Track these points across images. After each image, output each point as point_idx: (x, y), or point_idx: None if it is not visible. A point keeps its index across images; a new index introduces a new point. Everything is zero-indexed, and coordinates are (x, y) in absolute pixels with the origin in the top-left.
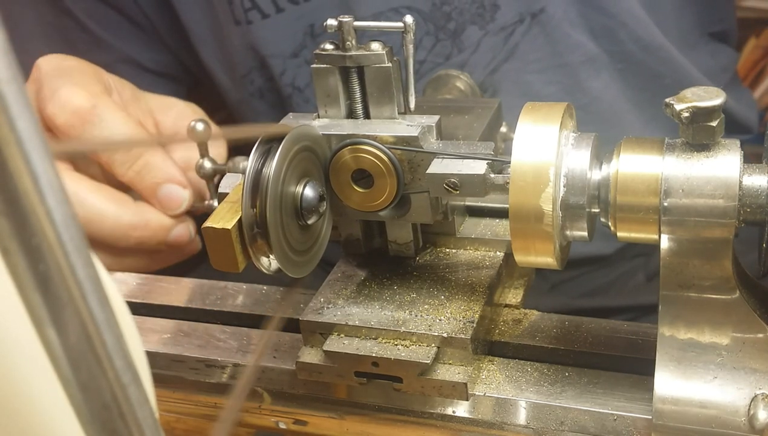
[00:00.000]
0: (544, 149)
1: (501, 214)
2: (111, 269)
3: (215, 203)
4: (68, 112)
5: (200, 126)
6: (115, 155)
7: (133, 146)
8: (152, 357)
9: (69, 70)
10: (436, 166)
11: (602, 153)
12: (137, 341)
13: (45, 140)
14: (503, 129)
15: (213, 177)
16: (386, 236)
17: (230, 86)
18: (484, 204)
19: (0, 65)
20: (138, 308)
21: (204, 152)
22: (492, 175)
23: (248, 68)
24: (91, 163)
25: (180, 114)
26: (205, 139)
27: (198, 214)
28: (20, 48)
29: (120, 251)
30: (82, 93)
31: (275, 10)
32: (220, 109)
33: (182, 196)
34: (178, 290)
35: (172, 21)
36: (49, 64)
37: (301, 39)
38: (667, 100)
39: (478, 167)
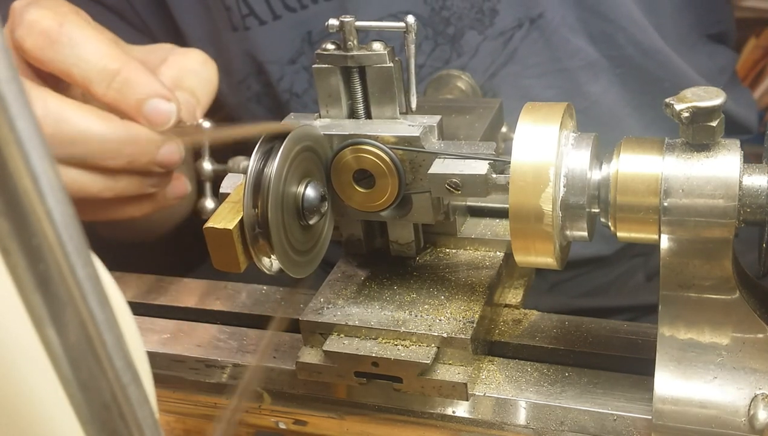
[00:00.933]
0: (544, 149)
1: (501, 214)
2: (106, 193)
3: (205, 124)
4: (35, 34)
5: (206, 124)
6: (91, 74)
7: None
8: (152, 357)
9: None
10: (438, 167)
11: (602, 153)
12: (137, 341)
13: (45, 140)
14: (503, 129)
15: (212, 177)
16: (388, 236)
17: (227, 91)
18: (484, 204)
19: (0, 65)
20: (138, 308)
21: (202, 153)
22: (494, 176)
23: (245, 74)
24: (70, 87)
25: (170, 50)
26: (208, 139)
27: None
28: None
29: (112, 173)
30: (48, 13)
31: (272, 17)
32: (217, 112)
33: (169, 110)
34: (178, 290)
35: (169, 25)
36: (22, 1)
37: (299, 46)
38: (667, 100)
39: (480, 167)
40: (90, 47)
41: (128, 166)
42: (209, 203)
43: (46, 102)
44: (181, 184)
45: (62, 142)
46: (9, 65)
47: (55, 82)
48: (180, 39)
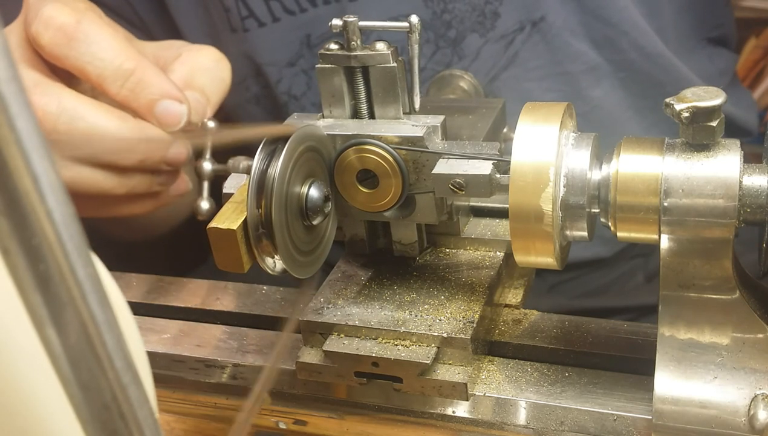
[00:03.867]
0: (544, 149)
1: (501, 214)
2: (118, 189)
3: (210, 124)
4: (52, 30)
5: (211, 123)
6: (106, 72)
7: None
8: (152, 357)
9: None
10: (442, 167)
11: (602, 153)
12: (137, 341)
13: (45, 140)
14: (504, 129)
15: (212, 177)
16: (391, 236)
17: None
18: (484, 204)
19: (0, 65)
20: (138, 308)
21: (203, 153)
22: (498, 176)
23: (244, 75)
24: (83, 83)
25: (182, 46)
26: (211, 140)
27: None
28: None
29: (123, 170)
30: (65, 9)
31: (271, 19)
32: (218, 112)
33: (180, 111)
34: (178, 290)
35: (168, 26)
36: None
37: (298, 49)
38: (667, 100)
39: (484, 167)
40: (106, 45)
41: (139, 165)
42: (204, 204)
43: (61, 99)
44: (183, 182)
45: (78, 139)
46: (9, 65)
47: (68, 76)
48: (180, 39)
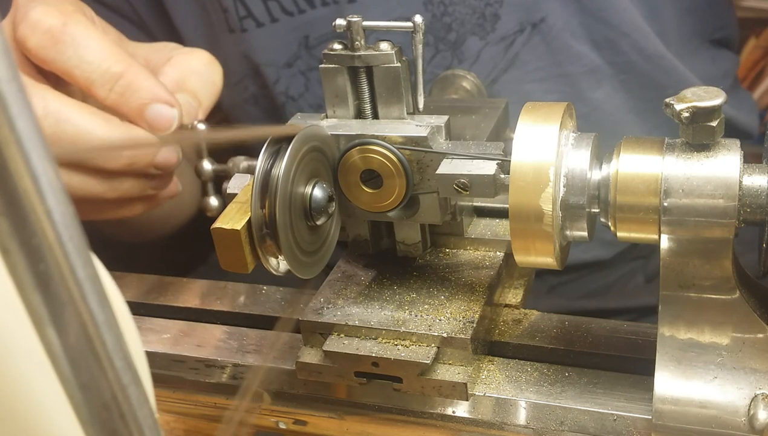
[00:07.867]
0: (544, 149)
1: (501, 214)
2: (109, 194)
3: (201, 126)
4: (39, 33)
5: (202, 126)
6: (93, 76)
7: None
8: (152, 357)
9: None
10: (446, 167)
11: (602, 153)
12: (137, 341)
13: (45, 140)
14: (506, 129)
15: (212, 178)
16: (394, 236)
17: (224, 92)
18: (484, 204)
19: (0, 65)
20: (138, 308)
21: (202, 153)
22: (502, 176)
23: (242, 75)
24: (70, 87)
25: (174, 48)
26: (209, 141)
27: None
28: None
29: (113, 175)
30: (52, 12)
31: (270, 20)
32: (216, 112)
33: (171, 116)
34: (178, 290)
35: (167, 25)
36: None
37: (296, 50)
38: (667, 100)
39: (488, 168)
40: (93, 48)
41: (127, 169)
42: (213, 201)
43: (47, 101)
44: (173, 185)
45: (63, 143)
46: (9, 65)
47: (56, 79)
48: (177, 38)
